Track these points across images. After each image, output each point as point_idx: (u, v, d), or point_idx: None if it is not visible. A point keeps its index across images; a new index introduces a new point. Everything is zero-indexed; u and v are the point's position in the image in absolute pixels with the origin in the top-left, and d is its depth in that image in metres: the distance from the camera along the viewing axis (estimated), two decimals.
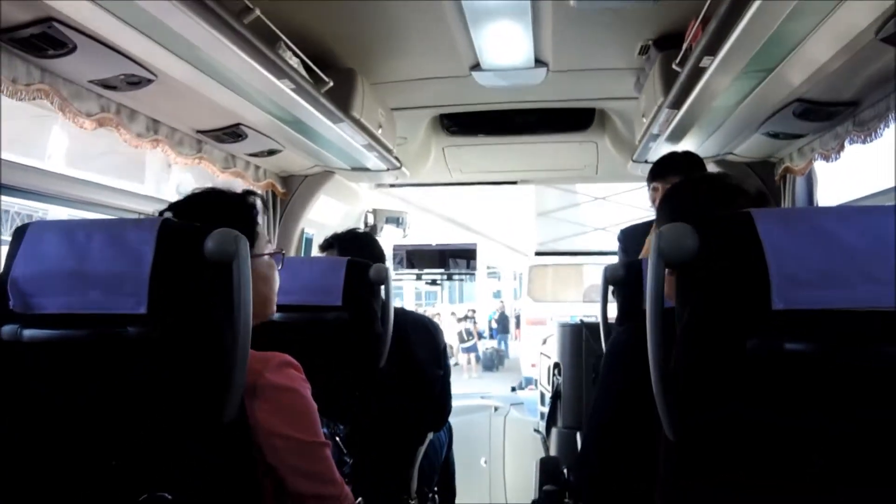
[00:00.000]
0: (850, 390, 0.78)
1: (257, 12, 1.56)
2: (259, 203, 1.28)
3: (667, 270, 0.89)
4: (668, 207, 1.16)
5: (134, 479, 1.00)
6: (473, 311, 14.63)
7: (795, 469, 0.81)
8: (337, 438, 1.49)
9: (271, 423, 1.09)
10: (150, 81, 1.71)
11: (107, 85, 1.71)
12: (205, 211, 1.16)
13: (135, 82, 1.71)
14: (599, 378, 1.33)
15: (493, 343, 14.41)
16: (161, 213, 1.16)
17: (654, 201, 2.14)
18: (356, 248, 2.11)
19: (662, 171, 2.08)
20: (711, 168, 2.76)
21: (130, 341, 0.96)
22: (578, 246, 6.00)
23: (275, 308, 1.30)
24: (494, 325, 14.73)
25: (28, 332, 0.96)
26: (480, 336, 13.97)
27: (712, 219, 0.86)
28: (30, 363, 0.98)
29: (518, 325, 13.40)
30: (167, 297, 0.96)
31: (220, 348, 0.98)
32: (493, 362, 13.47)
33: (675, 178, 1.96)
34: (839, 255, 0.79)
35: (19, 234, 1.01)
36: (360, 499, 1.46)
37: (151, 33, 1.45)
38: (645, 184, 2.24)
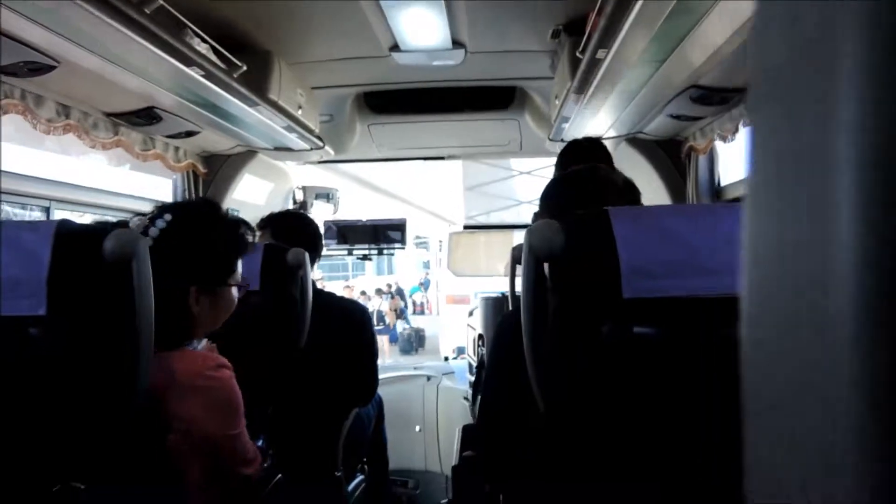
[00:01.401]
0: (688, 368, 0.90)
1: (160, 1, 1.55)
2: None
3: None
4: (546, 202, 1.25)
5: (47, 471, 1.04)
6: (391, 286, 13.31)
7: (648, 436, 0.93)
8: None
9: (203, 419, 1.20)
10: (52, 68, 1.68)
11: (6, 72, 1.67)
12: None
13: (36, 69, 1.68)
14: (487, 356, 1.44)
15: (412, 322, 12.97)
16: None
17: None
18: (288, 227, 2.15)
19: (566, 160, 2.18)
20: (623, 147, 2.90)
21: (32, 341, 0.99)
22: (508, 219, 6.12)
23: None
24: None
25: None
26: (402, 313, 12.56)
27: (576, 217, 0.95)
28: None
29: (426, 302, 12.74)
30: (67, 298, 0.99)
31: (125, 345, 1.02)
32: (411, 345, 11.91)
33: (579, 165, 2.09)
34: (679, 250, 0.89)
35: None
36: (279, 475, 1.54)
37: (48, 23, 1.43)
38: None
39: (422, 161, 4.25)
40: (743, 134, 2.28)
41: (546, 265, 0.96)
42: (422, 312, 13.45)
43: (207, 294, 1.30)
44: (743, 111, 2.14)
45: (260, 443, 1.40)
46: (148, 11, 1.51)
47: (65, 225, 1.01)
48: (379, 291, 12.94)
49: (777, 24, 0.26)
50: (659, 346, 0.89)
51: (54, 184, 2.19)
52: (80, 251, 1.00)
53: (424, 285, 13.88)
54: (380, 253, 3.95)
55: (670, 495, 0.92)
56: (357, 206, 5.22)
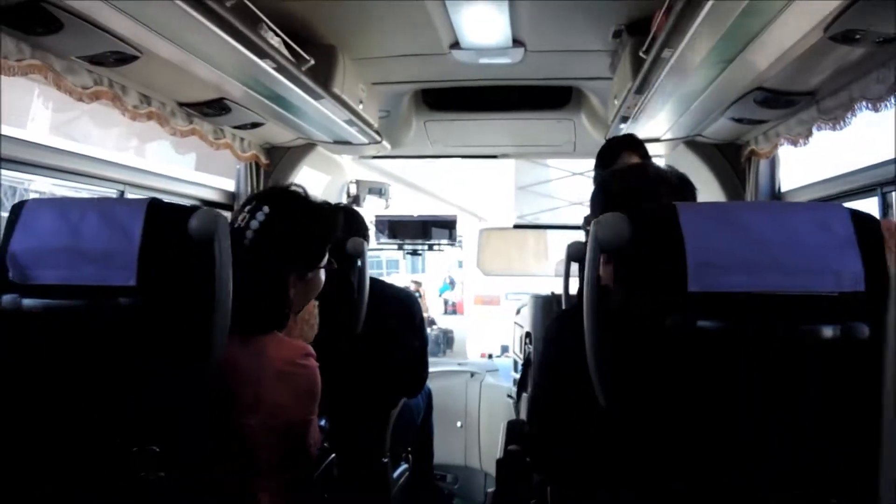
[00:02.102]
0: (755, 363, 0.90)
1: None
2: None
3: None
4: (599, 197, 1.27)
5: (126, 435, 1.11)
6: (419, 284, 13.37)
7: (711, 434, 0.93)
8: None
9: (289, 405, 1.29)
10: (135, 58, 1.78)
11: (94, 61, 1.77)
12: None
13: (121, 59, 1.77)
14: (537, 354, 1.46)
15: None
16: None
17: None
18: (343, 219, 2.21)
19: (606, 158, 2.21)
20: (681, 150, 2.87)
21: (122, 310, 1.06)
22: (556, 220, 6.07)
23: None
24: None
25: (27, 302, 1.05)
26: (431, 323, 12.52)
27: (643, 210, 0.97)
28: (28, 330, 1.08)
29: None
30: (156, 271, 1.06)
31: (203, 316, 1.09)
32: (438, 346, 11.60)
33: (617, 160, 2.12)
34: (751, 246, 0.90)
35: (16, 210, 1.10)
36: (333, 455, 1.59)
37: (135, 14, 1.51)
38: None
39: (472, 161, 4.27)
40: (816, 138, 2.23)
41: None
42: (453, 312, 13.20)
43: (302, 279, 1.37)
44: (815, 114, 2.10)
45: (323, 423, 1.45)
46: (228, 5, 1.58)
47: (155, 203, 1.08)
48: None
49: None
50: (724, 340, 0.90)
51: (128, 169, 2.30)
52: (168, 228, 1.06)
53: (452, 284, 13.72)
54: (430, 248, 3.99)
55: (728, 496, 0.93)
56: (405, 207, 5.26)
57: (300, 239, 1.38)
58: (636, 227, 0.95)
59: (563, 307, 1.97)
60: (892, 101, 1.74)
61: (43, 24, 1.51)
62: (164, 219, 1.07)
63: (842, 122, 2.01)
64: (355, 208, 2.52)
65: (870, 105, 1.82)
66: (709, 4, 1.44)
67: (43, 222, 1.08)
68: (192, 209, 1.09)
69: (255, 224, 1.32)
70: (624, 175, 1.29)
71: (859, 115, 1.92)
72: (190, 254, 1.07)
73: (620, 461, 1.01)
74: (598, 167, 2.28)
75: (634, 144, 2.23)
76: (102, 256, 1.05)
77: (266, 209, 1.34)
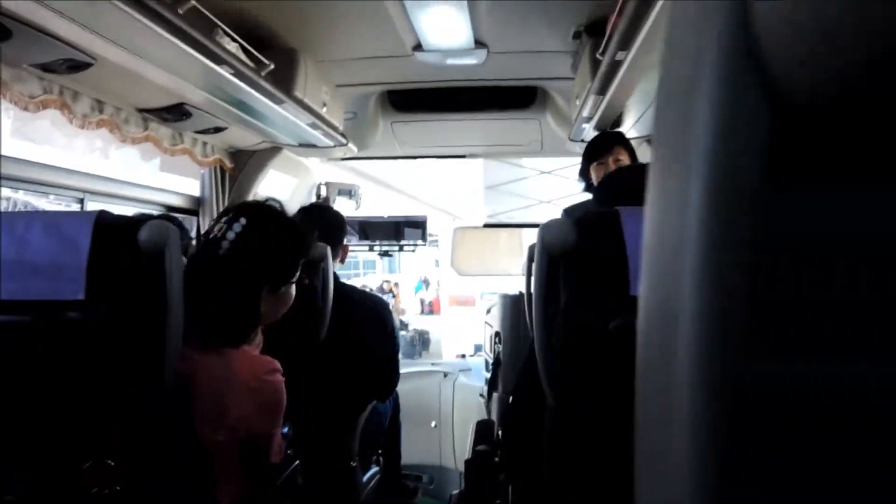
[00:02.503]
0: None
1: (192, 1, 1.61)
2: None
3: None
4: (604, 191, 1.29)
5: (79, 448, 1.10)
6: (391, 283, 12.81)
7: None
8: None
9: (253, 419, 1.28)
10: (88, 65, 1.75)
11: (46, 69, 1.74)
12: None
13: (74, 66, 1.75)
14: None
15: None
16: None
17: (596, 179, 2.31)
18: (317, 218, 2.20)
19: (591, 154, 2.25)
20: (644, 148, 2.91)
21: (70, 324, 1.05)
22: (527, 219, 6.10)
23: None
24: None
25: None
26: (406, 326, 11.12)
27: (587, 216, 0.99)
28: None
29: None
30: (105, 284, 1.05)
31: (155, 330, 1.08)
32: (414, 348, 10.64)
33: (608, 156, 2.17)
34: None
35: None
36: (297, 462, 1.59)
37: (86, 21, 1.49)
38: None
39: (441, 161, 4.28)
40: None
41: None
42: (430, 312, 12.96)
43: (275, 293, 1.37)
44: None
45: (286, 430, 1.45)
46: (181, 11, 1.57)
47: (103, 215, 1.07)
48: (381, 290, 12.37)
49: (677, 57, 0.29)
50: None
51: (88, 176, 2.27)
52: (117, 240, 1.06)
53: (427, 283, 13.56)
54: (400, 249, 4.00)
55: None
56: (375, 206, 5.25)
57: (275, 252, 1.38)
58: (581, 233, 0.97)
59: (528, 307, 2.00)
60: None
61: None
62: (114, 231, 1.07)
63: None
64: (333, 209, 2.51)
65: None
66: (658, 6, 1.46)
67: None
68: (142, 221, 1.08)
69: (231, 235, 1.31)
70: (622, 176, 1.32)
71: None
72: (140, 266, 1.07)
73: (571, 460, 1.03)
74: (585, 160, 2.33)
75: (625, 141, 2.28)
76: (49, 270, 1.04)
77: (243, 221, 1.33)
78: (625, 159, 2.26)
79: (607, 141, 2.32)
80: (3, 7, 1.41)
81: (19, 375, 1.06)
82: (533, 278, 1.00)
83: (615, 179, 1.37)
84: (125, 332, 1.06)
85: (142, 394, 1.09)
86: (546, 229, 0.98)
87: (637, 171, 1.37)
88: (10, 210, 2.17)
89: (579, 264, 0.97)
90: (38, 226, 1.05)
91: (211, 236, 1.31)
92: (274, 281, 1.38)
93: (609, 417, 0.96)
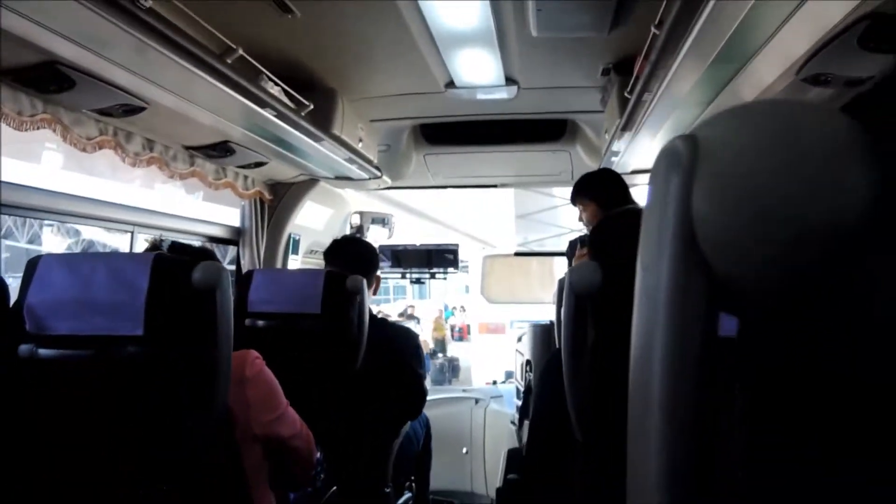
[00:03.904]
0: None
1: (240, 51, 1.71)
2: None
3: None
4: (597, 239, 1.34)
5: (134, 475, 1.17)
6: (413, 308, 12.27)
7: None
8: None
9: (255, 406, 1.34)
10: (142, 109, 1.87)
11: (103, 112, 1.87)
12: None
13: (129, 110, 1.87)
14: (535, 385, 1.51)
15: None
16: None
17: (579, 219, 2.44)
18: (345, 253, 2.27)
19: (576, 194, 2.39)
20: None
21: (130, 358, 1.13)
22: (558, 247, 6.11)
23: None
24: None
25: (43, 351, 1.13)
26: (434, 354, 11.24)
27: (614, 259, 1.03)
28: (43, 377, 1.15)
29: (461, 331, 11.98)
30: (161, 320, 1.14)
31: (206, 362, 1.16)
32: (444, 375, 10.86)
33: (587, 198, 2.32)
34: None
35: (32, 265, 1.18)
36: (334, 487, 1.65)
37: (142, 72, 1.61)
38: None
39: (473, 190, 4.35)
40: None
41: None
42: (460, 339, 12.92)
43: None
44: None
45: (318, 456, 1.51)
46: (230, 61, 1.68)
47: (160, 258, 1.16)
48: (401, 316, 12.27)
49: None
50: None
51: (138, 210, 2.40)
52: (173, 280, 1.14)
53: (455, 309, 13.52)
54: (432, 276, 4.06)
55: None
56: (408, 235, 5.34)
57: None
58: (607, 274, 1.02)
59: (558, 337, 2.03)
60: None
61: (56, 83, 1.61)
62: (169, 272, 1.15)
63: None
64: (366, 241, 2.59)
65: None
66: (684, 51, 1.52)
67: (56, 276, 1.15)
68: (195, 261, 1.16)
69: None
70: (619, 219, 1.37)
71: None
72: (193, 304, 1.15)
73: (599, 495, 1.07)
74: (606, 204, 2.33)
75: (580, 191, 2.40)
76: (111, 308, 1.12)
77: None
78: (586, 206, 2.35)
79: (576, 191, 2.41)
80: (66, 59, 1.53)
81: (83, 405, 1.14)
82: (563, 318, 1.05)
83: (599, 231, 1.42)
84: (180, 365, 1.14)
85: (194, 422, 1.16)
86: (574, 272, 1.03)
87: (618, 220, 1.43)
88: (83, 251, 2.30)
89: (606, 305, 1.02)
90: (102, 267, 1.14)
91: None
92: None
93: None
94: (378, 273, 2.40)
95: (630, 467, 0.40)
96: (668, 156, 0.35)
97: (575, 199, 2.41)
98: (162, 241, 1.53)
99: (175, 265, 1.15)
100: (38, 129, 1.73)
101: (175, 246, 1.64)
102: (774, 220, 0.30)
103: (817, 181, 0.30)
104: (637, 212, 1.38)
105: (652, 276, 0.36)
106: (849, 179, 0.29)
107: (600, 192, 2.32)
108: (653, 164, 0.37)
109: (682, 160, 0.33)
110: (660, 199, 0.35)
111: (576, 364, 1.05)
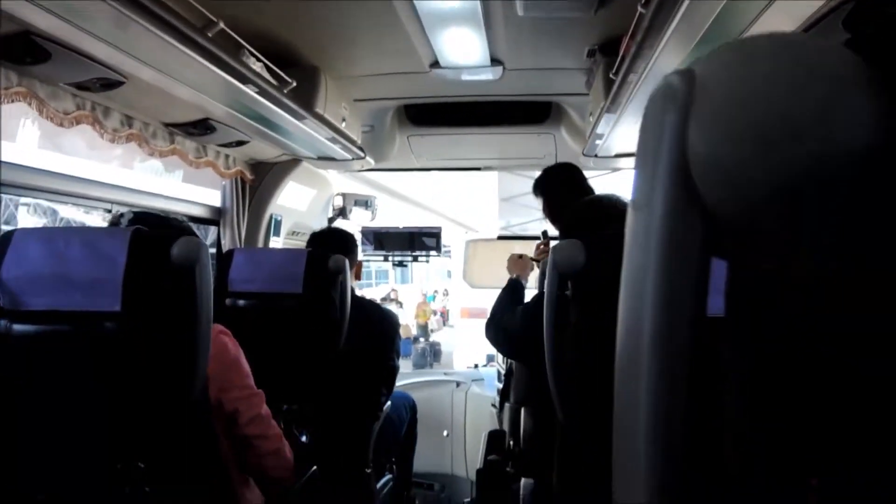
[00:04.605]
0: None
1: (221, 25, 1.68)
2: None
3: None
4: (564, 223, 1.36)
5: (111, 451, 1.16)
6: (397, 293, 12.31)
7: None
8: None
9: (220, 377, 1.34)
10: (120, 84, 1.83)
11: (81, 87, 1.82)
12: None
13: (107, 84, 1.83)
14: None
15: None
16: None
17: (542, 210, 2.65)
18: (326, 243, 2.27)
19: (536, 188, 2.56)
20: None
21: (107, 334, 1.11)
22: (540, 231, 6.10)
23: None
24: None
25: (17, 327, 1.10)
26: (416, 339, 11.35)
27: (595, 237, 1.03)
28: (18, 353, 1.13)
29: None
30: (139, 297, 1.12)
31: (185, 339, 1.14)
32: (425, 359, 10.92)
33: (549, 193, 2.53)
34: None
35: (6, 239, 1.15)
36: (314, 467, 1.65)
37: (120, 44, 1.57)
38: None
39: (456, 172, 4.34)
40: None
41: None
42: (443, 324, 13.01)
43: None
44: None
45: (304, 438, 1.50)
46: (210, 35, 1.64)
47: (138, 232, 1.14)
48: (383, 300, 12.53)
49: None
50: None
51: (116, 188, 2.36)
52: (152, 255, 1.12)
53: (436, 293, 13.58)
54: (414, 259, 4.05)
55: None
56: (391, 217, 5.31)
57: None
58: (590, 252, 1.02)
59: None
60: None
61: (31, 55, 1.57)
62: (148, 247, 1.13)
63: None
64: (346, 230, 2.57)
65: None
66: (670, 30, 1.51)
67: (32, 250, 1.13)
68: (174, 237, 1.14)
69: None
70: (585, 206, 1.41)
71: None
72: (173, 280, 1.13)
73: (580, 473, 1.07)
74: (563, 187, 2.51)
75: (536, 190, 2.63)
76: (89, 284, 1.10)
77: None
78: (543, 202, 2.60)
79: (537, 185, 2.66)
80: (42, 30, 1.49)
81: (59, 381, 1.12)
82: (545, 297, 1.05)
83: (570, 215, 1.50)
84: (158, 341, 1.13)
85: (172, 399, 1.15)
86: (558, 250, 1.03)
87: (586, 206, 1.49)
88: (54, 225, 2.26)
89: (588, 284, 1.02)
90: (78, 242, 1.12)
91: None
92: None
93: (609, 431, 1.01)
94: (360, 257, 2.40)
95: (617, 441, 0.39)
96: (663, 91, 0.33)
97: (536, 193, 2.59)
98: (122, 215, 1.42)
99: (154, 240, 1.13)
100: (12, 102, 1.69)
101: (139, 216, 1.44)
102: (776, 150, 0.28)
103: (820, 108, 0.28)
104: (598, 201, 1.41)
105: (643, 216, 0.34)
106: (853, 106, 0.28)
107: (553, 190, 2.53)
108: (647, 101, 0.36)
109: (678, 95, 0.32)
110: (654, 136, 0.33)
111: (559, 345, 1.05)
